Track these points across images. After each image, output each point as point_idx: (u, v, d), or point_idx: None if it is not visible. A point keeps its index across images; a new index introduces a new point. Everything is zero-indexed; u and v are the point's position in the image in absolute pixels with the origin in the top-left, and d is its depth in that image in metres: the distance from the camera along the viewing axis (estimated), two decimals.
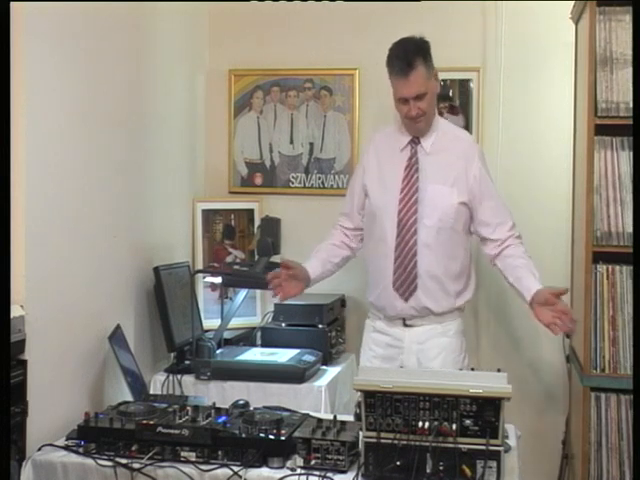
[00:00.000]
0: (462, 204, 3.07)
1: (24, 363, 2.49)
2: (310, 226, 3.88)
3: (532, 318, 3.82)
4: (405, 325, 3.11)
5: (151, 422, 2.48)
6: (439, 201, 3.05)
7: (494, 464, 2.19)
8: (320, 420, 2.49)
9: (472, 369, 2.60)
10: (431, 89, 3.03)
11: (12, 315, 2.40)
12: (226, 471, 2.37)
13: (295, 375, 3.22)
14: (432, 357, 3.09)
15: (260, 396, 3.15)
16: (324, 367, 3.42)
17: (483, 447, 2.19)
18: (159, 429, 2.44)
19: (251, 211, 4.02)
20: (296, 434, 2.41)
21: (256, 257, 3.73)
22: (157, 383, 3.35)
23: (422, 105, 3.01)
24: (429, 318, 3.09)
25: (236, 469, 2.36)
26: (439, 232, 3.05)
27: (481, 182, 3.09)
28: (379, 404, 2.25)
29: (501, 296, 3.89)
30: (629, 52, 3.00)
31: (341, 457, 2.32)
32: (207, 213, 3.96)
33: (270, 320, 3.79)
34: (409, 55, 2.97)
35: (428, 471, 2.20)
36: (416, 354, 3.09)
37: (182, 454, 2.42)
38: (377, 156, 3.18)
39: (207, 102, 4.13)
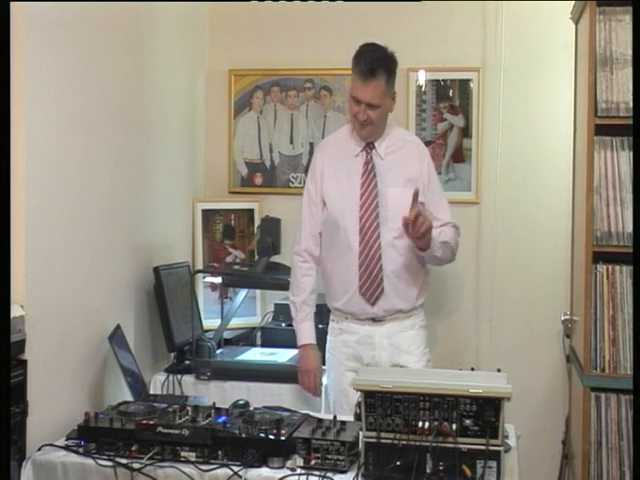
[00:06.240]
0: (421, 204, 3.09)
1: (24, 363, 2.48)
2: None
3: (532, 318, 3.86)
4: (374, 321, 3.13)
5: (151, 422, 2.48)
6: (400, 203, 3.04)
7: (494, 464, 2.19)
8: (320, 420, 2.49)
9: (472, 369, 2.59)
10: (385, 105, 3.05)
11: (12, 315, 2.39)
12: (226, 471, 2.36)
13: (295, 375, 3.21)
14: (403, 350, 3.11)
15: (260, 396, 3.16)
16: (324, 367, 3.41)
17: (483, 447, 2.19)
18: (159, 429, 2.43)
19: (251, 211, 4.02)
20: (296, 434, 2.41)
21: (256, 257, 3.73)
22: (157, 383, 3.35)
23: (372, 114, 3.03)
24: (398, 315, 3.13)
25: (236, 469, 2.36)
26: (403, 234, 3.05)
27: (430, 182, 3.15)
28: (379, 404, 2.25)
29: (501, 296, 3.90)
30: (629, 52, 3.00)
31: (341, 457, 2.32)
32: (207, 213, 3.96)
33: (270, 320, 3.80)
34: (375, 63, 2.99)
35: (428, 471, 2.20)
36: (387, 349, 3.11)
37: (182, 454, 2.42)
38: (330, 163, 3.17)
39: (207, 102, 4.13)
